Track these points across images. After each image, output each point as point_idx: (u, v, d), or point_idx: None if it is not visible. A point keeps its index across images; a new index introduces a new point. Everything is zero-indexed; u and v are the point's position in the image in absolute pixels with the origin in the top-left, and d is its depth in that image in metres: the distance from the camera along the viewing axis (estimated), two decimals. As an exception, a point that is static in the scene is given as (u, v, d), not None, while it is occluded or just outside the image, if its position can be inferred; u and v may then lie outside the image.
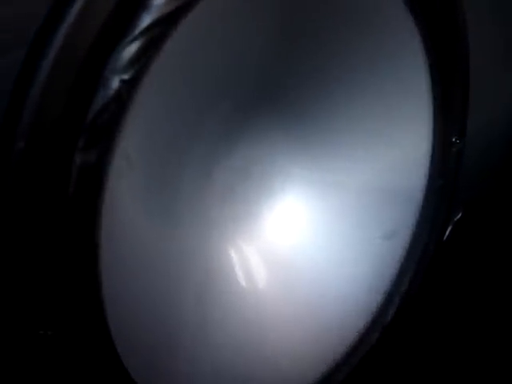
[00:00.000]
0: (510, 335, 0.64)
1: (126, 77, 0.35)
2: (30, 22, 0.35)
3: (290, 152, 0.50)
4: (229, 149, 0.47)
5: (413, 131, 0.51)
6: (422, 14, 0.47)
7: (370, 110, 0.50)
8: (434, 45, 0.48)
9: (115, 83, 0.35)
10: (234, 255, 0.49)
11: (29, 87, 0.35)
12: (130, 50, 0.35)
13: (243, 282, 0.49)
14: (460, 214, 0.67)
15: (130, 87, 0.36)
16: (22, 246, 0.36)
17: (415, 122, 0.51)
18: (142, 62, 0.36)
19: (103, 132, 0.36)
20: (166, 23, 0.35)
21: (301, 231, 0.52)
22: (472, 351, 0.63)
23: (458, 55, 0.51)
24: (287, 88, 0.48)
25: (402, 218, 0.52)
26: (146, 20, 0.35)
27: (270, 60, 0.45)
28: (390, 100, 0.50)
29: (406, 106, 0.50)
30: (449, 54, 0.50)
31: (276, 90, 0.47)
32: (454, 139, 0.54)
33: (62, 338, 0.38)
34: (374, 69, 0.49)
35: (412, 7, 0.46)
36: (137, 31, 0.35)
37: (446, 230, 0.64)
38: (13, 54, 0.35)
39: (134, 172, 0.40)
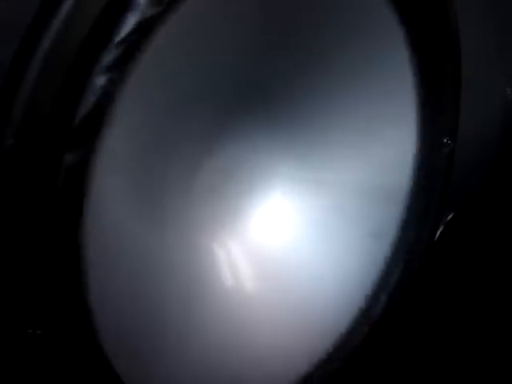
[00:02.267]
0: (500, 334, 0.64)
1: (113, 76, 0.36)
2: (20, 21, 0.35)
3: (275, 151, 0.50)
4: (214, 148, 0.47)
5: (400, 131, 0.51)
6: (407, 12, 0.47)
7: (357, 109, 0.50)
8: (420, 43, 0.48)
9: (103, 82, 0.36)
10: (220, 255, 0.49)
11: (18, 85, 0.35)
12: (118, 50, 0.35)
13: (229, 282, 0.49)
14: (452, 214, 0.67)
15: (117, 86, 0.36)
16: (8, 244, 0.36)
17: (402, 121, 0.51)
18: (129, 61, 0.36)
19: (90, 131, 0.36)
20: (153, 24, 0.36)
21: (287, 230, 0.52)
22: (460, 350, 0.63)
23: (447, 55, 0.51)
24: (272, 88, 0.48)
25: (390, 217, 0.52)
26: (132, 21, 0.35)
27: (254, 61, 0.46)
28: (376, 99, 0.50)
29: (392, 105, 0.50)
30: (438, 54, 0.50)
31: (261, 91, 0.47)
32: (445, 140, 0.54)
33: (50, 337, 0.38)
34: (360, 68, 0.49)
35: (396, 6, 0.46)
36: (124, 32, 0.35)
37: (438, 230, 0.64)
38: (2, 53, 0.35)
39: (120, 171, 0.40)
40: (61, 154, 0.36)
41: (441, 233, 0.65)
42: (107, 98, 0.36)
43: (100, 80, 0.35)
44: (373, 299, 0.53)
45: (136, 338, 0.43)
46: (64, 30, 0.35)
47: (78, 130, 0.36)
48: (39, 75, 0.35)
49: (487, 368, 0.62)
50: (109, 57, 0.35)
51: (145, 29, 0.36)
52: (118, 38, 0.35)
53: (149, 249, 0.44)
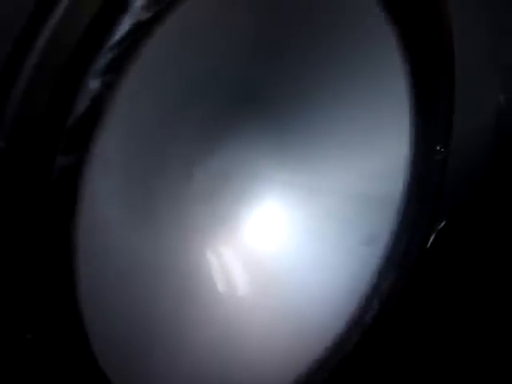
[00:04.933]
0: (492, 340, 0.64)
1: (106, 79, 0.35)
2: (14, 23, 0.35)
3: (270, 156, 0.50)
4: (210, 152, 0.47)
5: (393, 137, 0.51)
6: (399, 15, 0.47)
7: (351, 116, 0.50)
8: (414, 52, 0.48)
9: (96, 85, 0.35)
10: (213, 259, 0.49)
11: (11, 87, 0.35)
12: (112, 53, 0.35)
13: (222, 286, 0.49)
14: (444, 222, 0.67)
15: (110, 90, 0.36)
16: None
17: (395, 127, 0.51)
18: (122, 65, 0.36)
19: (84, 134, 0.36)
20: (147, 27, 0.36)
21: (280, 236, 0.52)
22: (452, 355, 0.63)
23: (441, 63, 0.51)
24: (268, 92, 0.48)
25: (382, 224, 0.52)
26: (127, 23, 0.35)
27: (251, 64, 0.46)
28: (370, 107, 0.50)
29: (386, 113, 0.50)
30: (431, 62, 0.50)
31: (257, 94, 0.48)
32: (438, 147, 0.54)
33: (40, 340, 0.38)
34: (353, 75, 0.49)
35: (388, 9, 0.46)
36: (117, 35, 0.35)
37: (429, 238, 0.64)
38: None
39: (113, 174, 0.40)
40: (53, 156, 0.35)
41: (433, 241, 0.65)
42: (101, 101, 0.35)
43: (94, 83, 0.35)
44: (365, 306, 0.53)
45: (127, 341, 0.43)
46: (58, 32, 0.35)
47: (71, 132, 0.35)
48: (32, 77, 0.35)
49: (480, 370, 0.62)
50: (103, 59, 0.35)
51: (140, 32, 0.35)
52: (112, 41, 0.35)
53: (141, 252, 0.44)
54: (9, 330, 0.38)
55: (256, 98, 0.48)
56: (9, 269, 0.36)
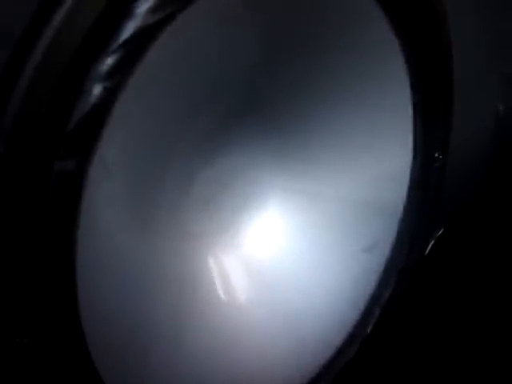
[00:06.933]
0: (491, 346, 0.64)
1: (108, 85, 0.35)
2: (12, 26, 0.35)
3: (271, 164, 0.51)
4: (210, 160, 0.47)
5: (394, 145, 0.51)
6: (403, 27, 0.47)
7: (352, 124, 0.50)
8: (416, 62, 0.49)
9: (97, 91, 0.35)
10: (212, 265, 0.49)
11: (10, 92, 0.35)
12: (113, 58, 0.35)
13: (221, 293, 0.49)
14: (442, 229, 0.67)
15: (112, 95, 0.36)
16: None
17: (396, 136, 0.51)
18: (124, 70, 0.36)
19: (84, 140, 0.36)
20: (150, 33, 0.35)
21: (280, 243, 0.52)
22: (451, 364, 0.63)
23: (441, 71, 0.51)
24: (269, 101, 0.48)
25: (382, 231, 0.52)
26: (129, 29, 0.35)
27: (252, 73, 0.46)
28: (371, 114, 0.50)
29: (387, 120, 0.51)
30: (432, 71, 0.50)
31: (258, 103, 0.48)
32: (436, 154, 0.54)
33: (38, 345, 0.38)
34: (357, 84, 0.49)
35: (393, 22, 0.46)
36: (120, 40, 0.35)
37: (428, 244, 0.64)
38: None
39: (113, 181, 0.40)
40: (53, 162, 0.35)
41: (431, 247, 0.65)
42: (102, 107, 0.35)
43: (96, 88, 0.35)
44: (366, 313, 0.53)
45: (126, 349, 0.43)
46: (60, 36, 0.35)
47: (71, 138, 0.35)
48: (32, 82, 0.35)
49: (479, 371, 0.62)
50: (105, 65, 0.35)
51: (143, 37, 0.35)
52: (115, 46, 0.35)
53: (141, 258, 0.44)
54: (7, 334, 0.38)
55: (258, 105, 0.48)
56: (8, 273, 0.36)
